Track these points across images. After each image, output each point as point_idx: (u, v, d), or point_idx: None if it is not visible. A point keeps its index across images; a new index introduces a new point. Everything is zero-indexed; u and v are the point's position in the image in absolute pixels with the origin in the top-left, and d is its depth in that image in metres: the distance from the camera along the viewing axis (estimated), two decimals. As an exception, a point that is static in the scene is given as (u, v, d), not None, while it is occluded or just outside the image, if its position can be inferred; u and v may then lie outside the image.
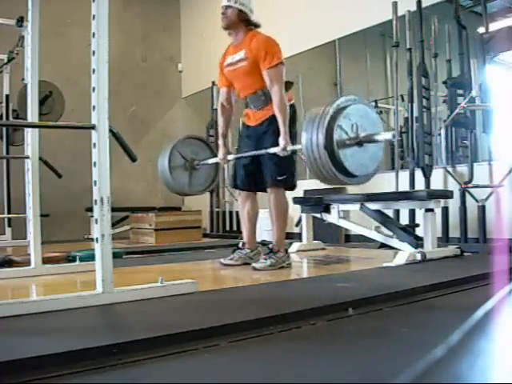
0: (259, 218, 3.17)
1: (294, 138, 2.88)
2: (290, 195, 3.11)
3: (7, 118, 4.68)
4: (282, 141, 2.74)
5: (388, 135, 2.30)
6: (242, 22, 2.92)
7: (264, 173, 2.95)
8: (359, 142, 2.28)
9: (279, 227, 2.97)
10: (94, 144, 1.81)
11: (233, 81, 3.06)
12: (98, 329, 1.54)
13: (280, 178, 2.87)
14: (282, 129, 2.75)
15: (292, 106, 2.97)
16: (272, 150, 2.78)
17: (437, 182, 3.98)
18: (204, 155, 3.40)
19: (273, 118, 2.85)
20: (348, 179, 2.34)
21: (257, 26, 2.97)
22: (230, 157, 3.13)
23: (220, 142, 3.15)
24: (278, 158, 2.79)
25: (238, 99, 3.14)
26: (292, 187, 2.99)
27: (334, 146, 2.20)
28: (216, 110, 4.46)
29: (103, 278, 1.79)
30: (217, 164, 3.35)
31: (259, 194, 3.14)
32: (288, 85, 3.01)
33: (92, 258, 1.87)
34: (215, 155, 3.26)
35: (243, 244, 3.13)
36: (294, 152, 2.86)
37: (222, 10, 2.93)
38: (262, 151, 2.84)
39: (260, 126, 2.97)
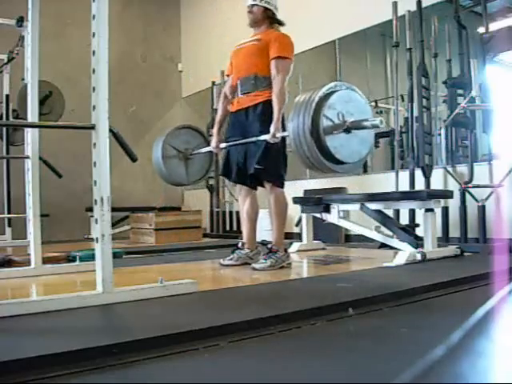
0: (260, 217, 3.16)
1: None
2: (289, 195, 3.11)
3: (7, 118, 4.67)
4: (272, 126, 2.75)
5: (376, 121, 2.27)
6: (267, 20, 2.98)
7: (248, 162, 2.96)
8: (346, 129, 2.26)
9: (278, 227, 2.97)
10: (94, 144, 1.81)
11: (234, 62, 3.09)
12: (97, 329, 1.54)
13: (257, 167, 2.84)
14: (276, 115, 2.76)
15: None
16: (262, 137, 2.79)
17: (437, 182, 3.98)
18: (196, 143, 3.41)
19: (259, 106, 2.88)
20: (337, 167, 2.31)
21: (281, 23, 3.03)
22: (223, 145, 3.12)
23: (215, 129, 3.17)
24: (263, 149, 2.80)
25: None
26: (278, 181, 2.95)
27: (321, 133, 2.18)
28: (216, 109, 4.47)
29: (103, 278, 1.79)
30: (210, 152, 3.36)
31: (259, 194, 3.13)
32: None
33: (92, 257, 1.87)
34: (207, 141, 3.28)
35: (243, 244, 3.13)
36: (284, 146, 2.89)
37: (248, 9, 2.99)
38: (253, 139, 2.85)
39: (242, 112, 2.98)
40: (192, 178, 3.45)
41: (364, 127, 2.28)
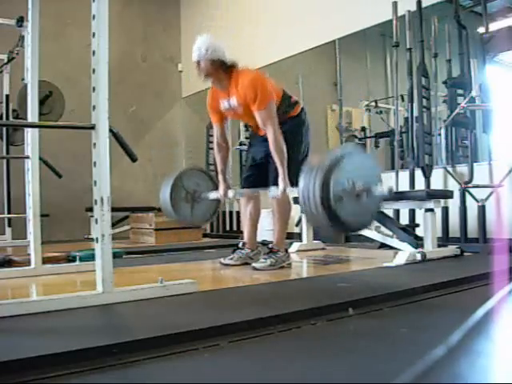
0: (261, 217, 3.17)
1: (307, 147, 2.96)
2: (290, 195, 3.11)
3: (7, 118, 4.67)
4: (281, 182, 2.72)
5: (385, 190, 2.30)
6: (219, 69, 2.85)
7: (268, 175, 2.93)
8: (356, 195, 2.28)
9: (281, 227, 2.97)
10: (94, 144, 1.81)
11: (238, 119, 3.12)
12: (97, 329, 1.54)
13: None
14: (281, 170, 2.73)
15: (301, 114, 3.01)
16: (271, 192, 2.79)
17: (437, 181, 3.98)
18: (205, 186, 3.42)
19: (287, 123, 2.87)
20: (340, 228, 2.32)
21: (234, 65, 2.89)
22: (231, 193, 3.11)
23: (220, 178, 3.11)
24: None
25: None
26: (293, 184, 2.96)
27: (331, 197, 2.21)
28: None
29: (103, 278, 1.79)
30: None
31: (262, 193, 3.14)
32: (294, 104, 3.02)
33: (92, 257, 1.87)
34: (216, 185, 3.27)
35: (243, 244, 3.13)
36: (306, 154, 2.92)
37: (196, 65, 2.88)
38: (262, 189, 2.86)
39: None
40: (196, 220, 3.46)
41: (372, 194, 2.31)
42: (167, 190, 3.26)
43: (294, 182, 2.93)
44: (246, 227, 3.15)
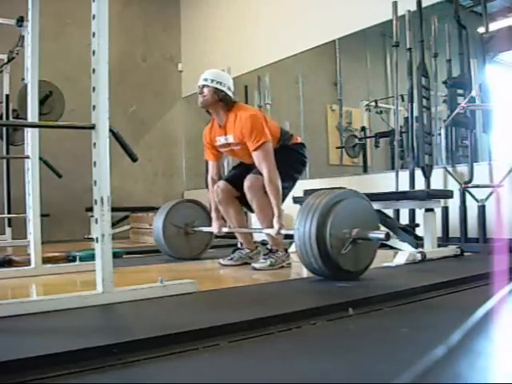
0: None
1: (296, 176, 3.00)
2: (290, 195, 3.10)
3: (7, 117, 4.67)
4: (275, 224, 2.72)
5: (381, 235, 2.27)
6: (220, 102, 2.86)
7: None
8: (352, 241, 2.26)
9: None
10: (94, 144, 1.81)
11: (233, 156, 3.13)
12: (98, 329, 1.54)
13: None
14: (276, 212, 2.72)
15: (302, 145, 3.06)
16: (266, 231, 2.79)
17: (437, 181, 3.98)
18: (197, 215, 3.48)
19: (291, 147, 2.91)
20: (342, 276, 2.31)
21: (235, 103, 2.91)
22: (225, 229, 3.12)
23: (213, 215, 3.12)
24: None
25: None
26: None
27: (328, 248, 2.20)
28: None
29: (103, 278, 1.79)
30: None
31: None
32: (291, 136, 3.05)
33: (92, 257, 1.87)
34: (208, 215, 3.27)
35: (242, 244, 3.13)
36: (304, 157, 2.95)
37: (199, 89, 2.89)
38: (257, 230, 2.85)
39: None
40: (194, 252, 3.51)
41: (369, 239, 2.29)
42: (159, 229, 3.30)
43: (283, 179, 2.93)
44: (236, 233, 3.16)
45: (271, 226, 2.78)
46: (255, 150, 2.77)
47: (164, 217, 3.38)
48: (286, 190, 2.90)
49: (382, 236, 2.25)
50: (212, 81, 2.86)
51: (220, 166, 3.16)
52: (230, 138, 2.90)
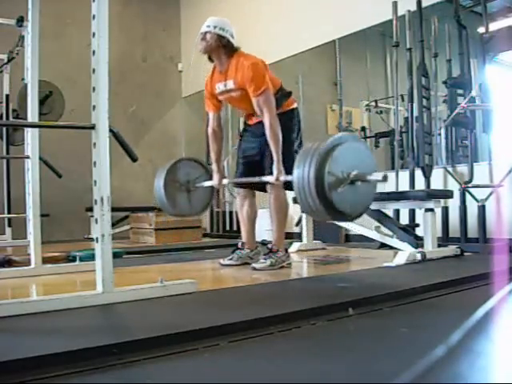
0: (259, 217, 3.16)
1: (300, 143, 2.95)
2: (289, 195, 3.11)
3: (7, 117, 4.67)
4: (275, 169, 2.73)
5: (378, 177, 2.29)
6: (222, 48, 2.88)
7: (263, 167, 2.93)
8: (351, 182, 2.27)
9: (279, 227, 2.96)
10: (94, 144, 1.81)
11: (231, 104, 3.11)
12: (97, 329, 1.54)
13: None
14: (276, 157, 2.73)
15: (294, 111, 3.02)
16: (265, 179, 2.79)
17: (437, 181, 3.98)
18: (198, 173, 3.42)
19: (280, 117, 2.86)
20: (338, 217, 2.32)
21: (238, 49, 2.92)
22: (225, 181, 3.12)
23: (214, 167, 3.11)
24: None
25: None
26: (292, 186, 2.96)
27: (326, 189, 2.20)
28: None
29: (103, 278, 1.79)
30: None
31: (259, 193, 3.13)
32: (287, 94, 3.02)
33: (92, 257, 1.87)
34: (208, 172, 3.26)
35: (242, 244, 3.13)
36: (296, 151, 2.88)
37: (201, 36, 2.90)
38: (256, 179, 2.85)
39: (261, 123, 2.93)
40: (195, 210, 3.46)
41: (367, 181, 2.30)
42: (161, 186, 3.26)
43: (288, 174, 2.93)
44: (243, 227, 3.15)
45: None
46: (256, 96, 2.78)
47: (166, 173, 3.33)
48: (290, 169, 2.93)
49: (380, 178, 2.27)
50: (215, 27, 2.88)
51: (220, 117, 3.14)
52: (230, 84, 2.90)
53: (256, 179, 2.84)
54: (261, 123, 2.90)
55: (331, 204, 2.20)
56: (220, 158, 3.15)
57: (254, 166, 3.00)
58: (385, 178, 2.27)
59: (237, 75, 2.84)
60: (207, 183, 3.23)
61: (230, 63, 2.88)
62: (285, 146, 2.80)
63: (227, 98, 3.00)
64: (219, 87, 2.97)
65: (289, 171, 2.78)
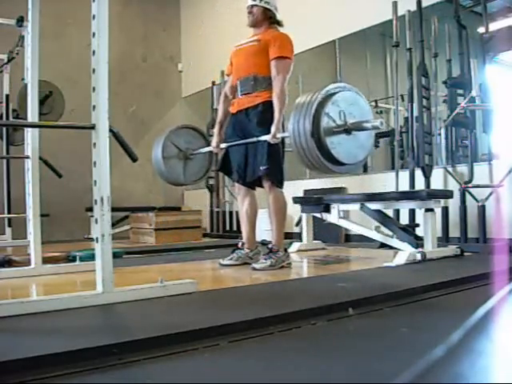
0: (259, 217, 3.16)
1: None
2: (289, 195, 3.11)
3: (7, 117, 4.67)
4: (273, 127, 2.76)
5: (376, 122, 2.28)
6: (266, 20, 3.01)
7: (249, 162, 2.97)
8: (347, 130, 2.26)
9: (278, 227, 2.96)
10: (94, 144, 1.81)
11: (234, 62, 3.12)
12: (98, 329, 1.54)
13: (262, 168, 2.86)
14: (277, 116, 2.77)
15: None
16: (263, 138, 2.81)
17: (437, 181, 3.98)
18: (197, 144, 3.42)
19: (259, 106, 2.89)
20: (336, 167, 2.31)
21: (280, 24, 3.06)
22: (223, 145, 3.12)
23: (216, 129, 3.18)
24: (265, 149, 2.82)
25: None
26: (279, 181, 2.95)
27: (321, 133, 2.18)
28: (216, 109, 4.48)
29: (103, 278, 1.79)
30: (210, 153, 3.37)
31: (259, 194, 3.13)
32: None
33: (92, 257, 1.87)
34: (207, 143, 3.29)
35: (242, 244, 3.13)
36: (283, 146, 2.91)
37: (248, 9, 3.02)
38: (253, 139, 2.86)
39: (242, 112, 2.99)
40: (190, 178, 3.47)
41: (364, 128, 2.29)
42: (159, 150, 3.27)
43: (280, 180, 2.93)
44: (243, 227, 3.15)
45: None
46: (277, 58, 2.86)
47: (165, 136, 3.33)
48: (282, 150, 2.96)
49: (377, 124, 2.28)
50: (261, 0, 2.99)
51: (234, 83, 3.15)
52: (254, 38, 3.00)
53: (253, 140, 2.84)
54: (242, 111, 2.96)
55: (326, 148, 2.19)
56: (224, 121, 3.18)
57: (245, 167, 3.01)
58: (381, 123, 2.31)
59: (265, 34, 2.95)
60: (205, 149, 3.25)
61: (267, 31, 2.99)
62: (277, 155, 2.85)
63: (238, 50, 3.06)
64: (241, 42, 3.07)
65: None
